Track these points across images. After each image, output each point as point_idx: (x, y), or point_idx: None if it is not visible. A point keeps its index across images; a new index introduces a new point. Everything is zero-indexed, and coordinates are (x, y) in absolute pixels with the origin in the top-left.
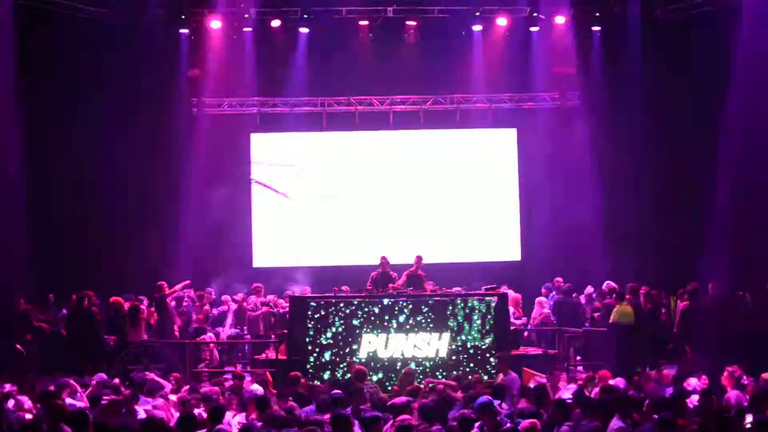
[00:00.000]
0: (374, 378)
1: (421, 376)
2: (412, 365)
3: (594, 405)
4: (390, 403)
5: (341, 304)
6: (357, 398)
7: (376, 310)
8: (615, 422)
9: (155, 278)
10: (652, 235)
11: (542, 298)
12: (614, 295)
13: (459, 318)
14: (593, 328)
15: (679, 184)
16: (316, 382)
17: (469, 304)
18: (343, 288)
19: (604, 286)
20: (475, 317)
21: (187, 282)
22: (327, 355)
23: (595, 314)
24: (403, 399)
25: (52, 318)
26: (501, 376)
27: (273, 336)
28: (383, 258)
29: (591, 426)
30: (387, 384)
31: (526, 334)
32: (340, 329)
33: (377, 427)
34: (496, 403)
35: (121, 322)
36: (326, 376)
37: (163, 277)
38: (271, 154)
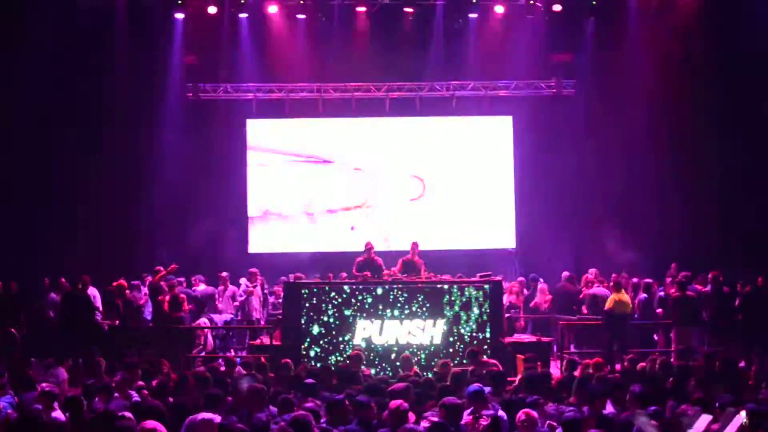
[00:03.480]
0: (373, 372)
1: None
2: (407, 353)
3: (590, 393)
4: (390, 389)
5: (333, 293)
6: (353, 382)
7: (370, 300)
8: (608, 408)
9: (148, 263)
10: (648, 223)
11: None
12: (611, 284)
13: (456, 308)
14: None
15: (676, 172)
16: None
17: (466, 294)
18: (342, 275)
19: (590, 275)
20: (474, 307)
21: (174, 266)
22: (320, 343)
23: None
24: (402, 384)
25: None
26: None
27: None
28: (368, 244)
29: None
30: (382, 373)
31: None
32: (332, 318)
33: (367, 412)
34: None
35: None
36: (318, 364)
37: (158, 263)
38: (268, 139)
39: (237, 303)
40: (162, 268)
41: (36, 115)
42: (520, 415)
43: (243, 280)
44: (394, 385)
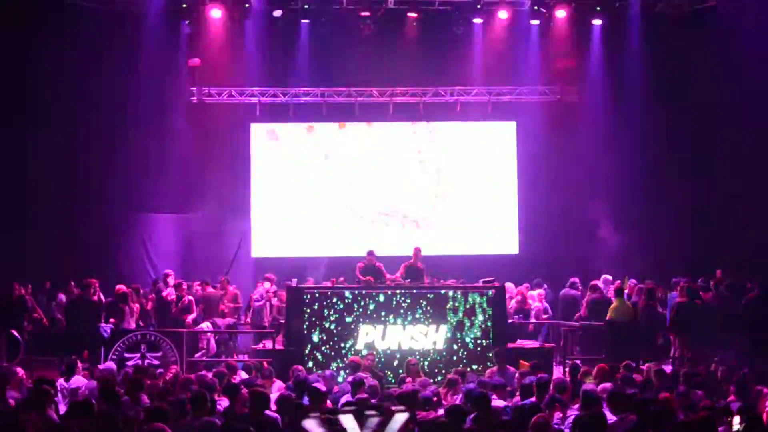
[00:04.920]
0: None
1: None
2: (409, 358)
3: (592, 398)
4: (398, 393)
5: (335, 299)
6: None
7: (372, 306)
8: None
9: (153, 266)
10: (654, 227)
11: (533, 293)
12: (613, 291)
13: (459, 314)
14: (587, 322)
15: (681, 176)
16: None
17: (470, 300)
18: (340, 279)
19: (600, 280)
20: (478, 314)
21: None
22: (322, 349)
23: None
24: (409, 388)
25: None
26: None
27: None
28: (370, 252)
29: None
30: (384, 380)
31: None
32: (334, 324)
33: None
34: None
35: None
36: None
37: (159, 266)
38: (271, 143)
39: (240, 305)
40: (171, 273)
41: (39, 117)
42: (536, 418)
43: (267, 285)
44: (402, 389)
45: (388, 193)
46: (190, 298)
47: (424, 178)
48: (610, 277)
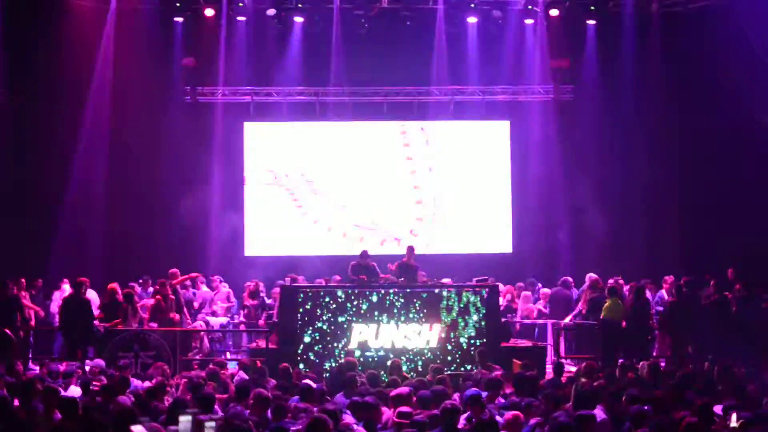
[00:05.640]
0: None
1: (413, 374)
2: (402, 359)
3: (585, 396)
4: (394, 394)
5: (328, 298)
6: (350, 389)
7: (365, 306)
8: (598, 413)
9: (147, 266)
10: (646, 227)
11: (527, 293)
12: (606, 290)
13: (453, 313)
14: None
15: (674, 177)
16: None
17: (464, 299)
18: (335, 278)
19: (586, 278)
20: (472, 313)
21: (194, 275)
22: (314, 349)
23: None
24: (405, 389)
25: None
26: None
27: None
28: (364, 252)
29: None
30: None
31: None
32: (326, 324)
33: (376, 413)
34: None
35: (118, 308)
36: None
37: (153, 266)
38: (265, 143)
39: (233, 304)
40: (177, 271)
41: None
42: (508, 416)
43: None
44: (398, 389)
45: (382, 192)
46: (173, 297)
47: (419, 177)
48: (595, 276)
